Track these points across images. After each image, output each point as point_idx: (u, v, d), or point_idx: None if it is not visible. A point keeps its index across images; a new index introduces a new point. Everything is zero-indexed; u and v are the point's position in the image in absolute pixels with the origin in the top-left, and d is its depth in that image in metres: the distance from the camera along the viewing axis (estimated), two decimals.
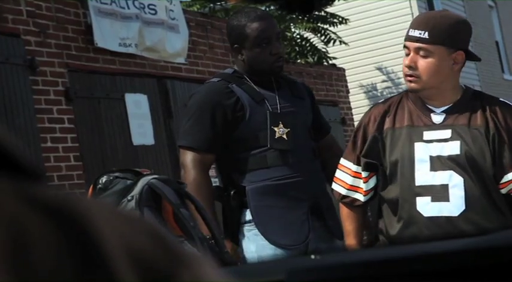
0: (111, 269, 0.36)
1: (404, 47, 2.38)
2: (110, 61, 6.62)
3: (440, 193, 2.34)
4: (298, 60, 10.89)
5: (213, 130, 2.64)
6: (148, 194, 2.20)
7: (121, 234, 0.38)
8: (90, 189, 2.18)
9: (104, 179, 2.20)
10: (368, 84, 13.37)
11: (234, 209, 2.65)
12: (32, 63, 5.86)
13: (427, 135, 2.41)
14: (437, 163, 2.38)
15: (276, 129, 2.67)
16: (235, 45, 2.76)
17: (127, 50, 6.70)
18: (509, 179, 2.37)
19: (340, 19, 11.39)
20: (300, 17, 11.29)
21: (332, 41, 11.44)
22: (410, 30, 2.36)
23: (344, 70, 10.86)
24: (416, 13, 13.40)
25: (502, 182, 2.37)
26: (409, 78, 2.37)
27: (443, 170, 2.37)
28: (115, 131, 6.51)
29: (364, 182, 2.49)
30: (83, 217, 0.37)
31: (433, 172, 2.37)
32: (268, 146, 2.64)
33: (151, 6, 7.03)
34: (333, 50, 11.74)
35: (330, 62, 11.32)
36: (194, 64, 7.66)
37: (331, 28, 11.47)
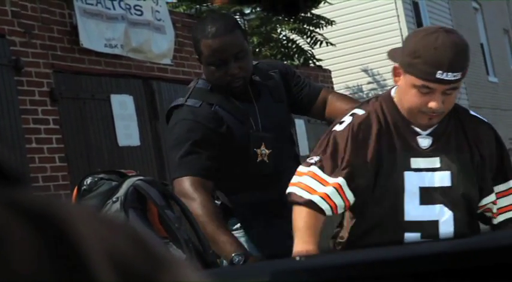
0: (91, 273, 0.36)
1: (425, 87, 2.10)
2: (96, 62, 6.60)
3: (430, 229, 2.18)
4: (284, 62, 10.89)
5: (209, 158, 2.47)
6: (134, 195, 2.19)
7: (102, 239, 0.38)
8: (75, 191, 2.17)
9: (88, 180, 2.19)
10: (354, 86, 13.41)
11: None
12: (17, 63, 5.83)
13: (415, 162, 2.20)
14: (428, 196, 2.20)
15: (258, 151, 2.54)
16: (197, 57, 2.59)
17: (113, 50, 6.68)
18: (488, 202, 2.25)
19: (326, 21, 11.42)
20: (286, 19, 11.30)
21: (319, 43, 11.46)
22: (439, 72, 2.05)
23: (330, 72, 10.88)
24: (402, 15, 13.46)
25: (480, 204, 2.25)
26: (432, 115, 2.15)
27: (434, 203, 2.20)
28: (100, 132, 6.49)
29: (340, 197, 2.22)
30: (64, 221, 0.37)
31: (423, 206, 2.20)
32: (249, 170, 2.52)
33: (137, 7, 7.01)
34: (319, 51, 11.77)
35: (317, 63, 11.34)
36: (180, 65, 7.66)
37: (318, 30, 11.49)
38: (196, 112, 2.51)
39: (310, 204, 2.18)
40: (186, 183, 2.46)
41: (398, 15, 13.57)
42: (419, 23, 14.43)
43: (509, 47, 19.20)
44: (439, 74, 2.06)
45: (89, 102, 6.46)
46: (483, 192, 2.24)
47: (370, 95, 13.24)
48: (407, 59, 2.11)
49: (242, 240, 2.59)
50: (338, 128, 2.25)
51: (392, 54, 2.24)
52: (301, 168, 2.26)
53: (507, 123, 16.95)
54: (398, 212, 2.19)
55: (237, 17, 10.67)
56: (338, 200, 2.18)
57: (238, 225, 2.60)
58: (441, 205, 2.20)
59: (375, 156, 2.19)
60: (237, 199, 2.57)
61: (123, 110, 6.77)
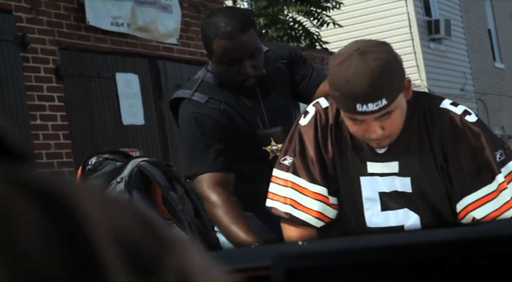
0: (97, 252, 0.36)
1: (354, 119, 1.92)
2: (102, 40, 6.58)
3: None
4: (291, 44, 10.86)
5: (223, 152, 2.40)
6: (138, 176, 2.20)
7: (108, 218, 0.38)
8: (80, 170, 2.18)
9: (93, 160, 2.20)
10: None
11: None
12: (23, 39, 5.82)
13: (372, 167, 2.03)
14: (389, 201, 2.04)
15: (268, 148, 2.47)
16: (206, 52, 2.49)
17: (119, 29, 6.67)
18: (464, 205, 2.02)
19: (334, 3, 11.36)
20: (293, 1, 11.25)
21: (326, 24, 11.41)
22: (359, 105, 1.85)
23: None
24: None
25: (458, 211, 2.03)
26: (378, 141, 1.96)
27: (397, 208, 2.04)
28: (105, 110, 6.50)
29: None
30: (70, 200, 0.37)
31: (385, 212, 2.05)
32: (267, 169, 2.33)
33: None
34: (325, 34, 11.72)
35: (323, 46, 11.30)
36: (186, 45, 7.64)
37: (325, 12, 11.44)
38: (205, 107, 2.44)
39: (299, 221, 2.07)
40: (203, 184, 2.38)
41: None
42: (427, 8, 14.35)
43: None
44: (359, 107, 1.85)
45: (94, 80, 6.46)
46: (455, 197, 2.03)
47: None
48: (330, 90, 1.94)
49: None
50: (302, 121, 2.10)
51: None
52: (278, 173, 2.11)
53: None
54: (359, 218, 2.07)
55: None
56: (331, 213, 2.08)
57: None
58: (405, 209, 2.04)
59: (331, 158, 2.06)
60: (245, 190, 2.49)
61: (128, 88, 6.77)
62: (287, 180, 2.07)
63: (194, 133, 2.42)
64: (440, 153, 2.01)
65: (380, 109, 1.86)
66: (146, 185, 2.29)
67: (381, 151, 2.02)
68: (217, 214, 2.29)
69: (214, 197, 2.32)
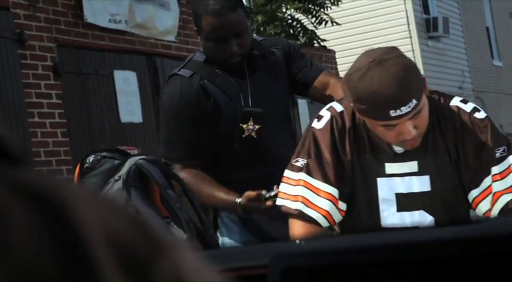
0: (91, 254, 0.36)
1: (388, 125, 1.97)
2: (99, 37, 6.58)
3: None
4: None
5: (194, 136, 2.50)
6: (136, 174, 2.19)
7: (101, 220, 0.38)
8: (77, 169, 2.18)
9: (91, 158, 2.20)
10: None
11: None
12: (20, 36, 5.82)
13: (390, 168, 2.09)
14: (405, 202, 2.09)
15: (244, 126, 2.52)
16: (195, 29, 2.59)
17: (117, 26, 6.66)
18: (472, 198, 2.09)
19: (332, 1, 11.36)
20: None
21: (324, 22, 11.40)
22: (392, 111, 1.91)
23: (334, 52, 10.85)
24: None
25: (470, 202, 2.10)
26: (411, 142, 2.02)
27: (413, 210, 2.10)
28: (103, 108, 6.49)
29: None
30: (64, 202, 0.37)
31: (400, 213, 2.10)
32: (234, 144, 2.51)
33: None
34: (323, 31, 11.71)
35: (321, 43, 11.30)
36: (184, 42, 7.63)
37: (323, 10, 11.43)
38: (184, 86, 2.53)
39: (304, 216, 2.10)
40: (176, 167, 2.49)
41: None
42: (425, 5, 14.36)
43: None
44: (392, 113, 1.92)
45: (92, 77, 6.46)
46: (465, 190, 2.10)
47: None
48: (356, 106, 1.99)
49: (233, 226, 2.58)
50: (317, 125, 2.14)
51: (344, 91, 2.08)
52: (290, 174, 2.14)
53: (510, 108, 16.93)
54: (374, 219, 2.11)
55: None
56: (337, 217, 2.11)
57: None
58: (421, 211, 2.09)
59: (350, 160, 2.09)
60: (226, 178, 2.54)
61: (126, 86, 6.77)
62: (299, 180, 2.11)
63: (167, 116, 2.55)
64: (454, 151, 2.07)
65: (412, 109, 1.93)
66: (144, 183, 2.28)
67: (399, 151, 2.08)
68: (195, 189, 2.38)
69: (184, 175, 2.44)
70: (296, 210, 2.09)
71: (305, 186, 2.10)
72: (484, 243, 0.85)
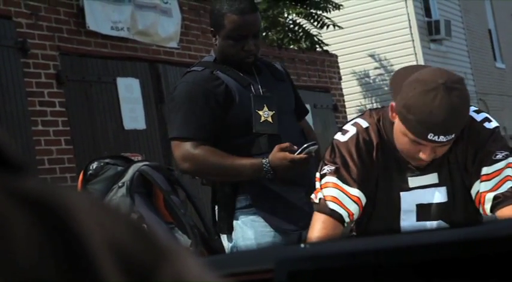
0: (92, 262, 0.35)
1: (416, 142, 2.06)
2: (102, 44, 6.59)
3: None
4: (291, 46, 10.87)
5: (207, 118, 2.57)
6: (139, 180, 2.20)
7: (103, 227, 0.38)
8: (81, 175, 2.18)
9: (94, 165, 2.20)
10: (360, 71, 13.37)
11: (227, 195, 2.62)
12: (23, 45, 5.83)
13: (413, 182, 2.19)
14: (425, 213, 2.19)
15: (260, 112, 2.61)
16: (212, 29, 2.71)
17: (119, 33, 6.67)
18: (475, 192, 2.16)
19: (334, 5, 11.36)
20: (293, 3, 11.25)
21: (326, 26, 11.41)
22: (431, 135, 2.00)
23: (337, 56, 10.85)
24: (410, 0, 13.39)
25: (474, 196, 2.16)
26: (422, 162, 2.13)
27: (431, 220, 2.19)
28: (106, 115, 6.50)
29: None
30: (65, 210, 0.37)
31: (420, 223, 2.19)
32: (254, 130, 2.58)
33: None
34: (325, 36, 11.72)
35: (324, 48, 11.30)
36: (186, 49, 7.64)
37: (325, 14, 11.44)
38: (197, 75, 2.63)
39: (336, 214, 2.15)
40: (184, 148, 2.55)
41: (406, 0, 13.49)
42: (427, 8, 14.35)
43: None
44: (431, 136, 2.00)
45: (95, 85, 6.46)
46: (472, 184, 2.17)
47: (376, 80, 13.20)
48: (401, 109, 2.05)
49: (250, 219, 2.59)
50: (341, 138, 2.21)
51: (392, 85, 2.18)
52: (317, 183, 2.22)
53: None
54: (394, 226, 2.19)
55: None
56: (356, 217, 2.19)
57: (248, 203, 2.60)
58: (438, 221, 2.18)
59: (375, 173, 2.17)
60: None
61: (129, 93, 6.77)
62: (328, 182, 2.18)
63: (179, 100, 2.62)
64: (463, 160, 2.15)
65: (447, 142, 2.02)
66: (148, 189, 2.29)
67: (421, 166, 2.16)
68: (213, 162, 2.46)
69: (199, 152, 2.51)
70: (331, 209, 2.15)
71: (335, 188, 2.16)
72: (494, 244, 0.84)
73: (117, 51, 6.73)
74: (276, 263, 0.94)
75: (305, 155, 2.42)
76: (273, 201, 2.60)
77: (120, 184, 2.22)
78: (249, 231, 2.58)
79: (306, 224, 2.46)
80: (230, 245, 2.58)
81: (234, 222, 2.60)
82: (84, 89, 6.35)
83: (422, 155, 2.06)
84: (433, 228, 2.00)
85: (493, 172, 2.11)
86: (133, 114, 6.74)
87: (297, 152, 2.42)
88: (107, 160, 2.28)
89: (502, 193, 2.09)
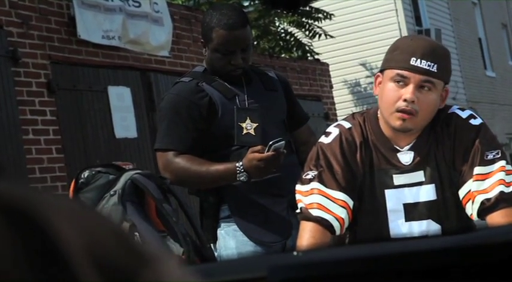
0: (70, 269, 0.35)
1: (399, 76, 2.08)
2: (93, 53, 6.58)
3: None
4: (282, 55, 10.88)
5: (189, 131, 2.59)
6: (131, 188, 2.20)
7: (82, 233, 0.37)
8: (72, 184, 2.17)
9: (86, 173, 2.19)
10: (351, 80, 13.40)
11: (211, 205, 2.63)
12: (14, 54, 5.81)
13: (398, 179, 2.16)
14: (413, 212, 2.16)
15: (243, 125, 2.62)
16: (202, 40, 2.72)
17: (110, 42, 6.67)
18: (461, 198, 2.13)
19: (325, 14, 11.40)
20: (285, 12, 11.28)
21: (318, 35, 11.44)
22: (413, 59, 2.05)
23: (328, 65, 10.87)
24: (400, 9, 13.46)
25: (462, 197, 2.13)
26: (404, 114, 2.08)
27: (420, 219, 2.16)
28: (97, 124, 6.48)
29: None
30: (42, 215, 0.36)
31: (409, 223, 2.16)
32: (235, 142, 2.59)
33: None
34: (317, 44, 11.75)
35: (315, 57, 11.33)
36: (178, 57, 7.64)
37: (316, 23, 11.47)
38: (182, 87, 2.65)
39: (322, 221, 2.12)
40: (166, 158, 2.58)
41: (396, 9, 13.55)
42: (417, 17, 14.42)
43: (507, 41, 19.20)
44: (413, 61, 2.06)
45: (86, 93, 6.45)
46: (458, 189, 2.15)
47: (368, 89, 13.23)
48: (386, 57, 2.15)
49: (232, 229, 2.59)
50: (325, 140, 2.21)
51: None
52: (301, 187, 2.18)
53: (504, 118, 16.97)
54: (382, 230, 2.16)
55: None
56: (347, 222, 2.15)
57: (228, 213, 2.61)
58: (428, 220, 2.16)
59: (359, 172, 2.16)
60: None
61: (121, 101, 6.76)
62: (312, 189, 2.15)
63: (164, 112, 2.65)
64: (451, 158, 2.15)
65: (428, 72, 2.06)
66: (140, 198, 2.28)
67: (406, 163, 2.16)
68: (191, 170, 2.49)
69: (179, 160, 2.55)
70: (316, 216, 2.12)
71: (319, 194, 2.14)
72: (488, 251, 0.84)
73: (108, 60, 6.72)
74: (268, 271, 0.94)
75: (272, 153, 2.42)
76: (252, 212, 2.60)
77: (112, 192, 2.21)
78: (230, 240, 2.59)
79: (289, 234, 2.48)
80: (216, 254, 2.59)
81: (218, 231, 2.61)
82: (75, 97, 6.33)
83: (405, 96, 2.07)
84: (427, 235, 1.99)
85: (486, 173, 2.11)
86: (124, 122, 6.73)
87: (266, 151, 2.43)
88: (99, 168, 2.27)
89: (492, 197, 2.08)
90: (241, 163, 2.46)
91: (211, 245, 2.59)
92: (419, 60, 2.06)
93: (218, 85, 2.65)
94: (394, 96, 2.09)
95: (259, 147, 2.45)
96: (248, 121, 2.62)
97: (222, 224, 2.61)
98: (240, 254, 2.54)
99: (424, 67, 2.06)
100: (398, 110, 2.08)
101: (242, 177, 2.47)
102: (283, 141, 2.46)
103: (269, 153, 2.42)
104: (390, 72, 2.11)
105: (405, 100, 2.07)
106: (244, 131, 2.61)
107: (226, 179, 2.52)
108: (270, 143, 2.43)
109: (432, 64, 2.06)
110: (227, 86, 2.66)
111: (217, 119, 2.61)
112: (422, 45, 2.08)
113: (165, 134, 2.62)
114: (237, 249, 2.57)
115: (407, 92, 2.07)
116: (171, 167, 2.56)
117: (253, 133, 2.61)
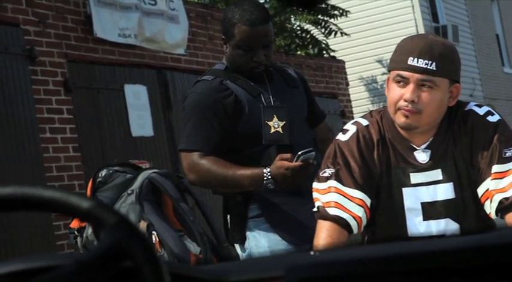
0: None
1: (399, 76, 2.09)
2: (109, 52, 6.60)
3: None
4: (298, 52, 10.87)
5: (215, 130, 2.55)
6: (149, 188, 2.20)
7: None
8: (90, 183, 2.18)
9: (103, 172, 2.20)
10: (368, 77, 13.36)
11: (239, 204, 2.59)
12: (31, 53, 5.84)
13: (415, 178, 2.15)
14: (431, 211, 2.14)
15: (270, 123, 2.59)
16: (223, 37, 2.69)
17: (126, 40, 6.69)
18: (485, 189, 2.10)
19: (341, 11, 11.37)
20: (301, 9, 11.26)
21: (333, 33, 11.41)
22: (411, 58, 2.06)
23: (344, 62, 10.85)
24: (417, 6, 13.40)
25: (480, 195, 2.11)
26: (407, 113, 2.09)
27: (438, 218, 2.15)
28: (114, 122, 6.51)
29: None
30: None
31: (426, 221, 2.15)
32: (264, 141, 2.56)
33: None
34: (332, 42, 11.72)
35: (331, 54, 11.30)
36: (194, 55, 7.65)
37: (332, 20, 11.45)
38: (206, 85, 2.61)
39: (340, 220, 2.11)
40: (193, 159, 2.53)
41: (413, 6, 13.49)
42: (434, 14, 14.34)
43: None
44: (410, 60, 2.06)
45: (103, 92, 6.48)
46: (476, 187, 2.13)
47: (384, 86, 13.18)
48: (390, 58, 2.16)
49: (263, 228, 2.57)
50: (342, 137, 2.21)
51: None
52: (318, 185, 2.18)
53: None
54: (400, 229, 2.15)
55: None
56: (365, 220, 2.13)
57: (258, 212, 2.58)
58: (447, 219, 2.14)
59: (377, 170, 2.16)
60: None
61: (137, 100, 6.78)
62: (329, 187, 2.15)
63: (189, 111, 2.60)
64: (469, 155, 2.12)
65: (426, 70, 2.05)
66: (157, 197, 2.29)
67: (423, 162, 2.15)
68: (217, 173, 2.45)
69: (204, 162, 2.50)
70: (333, 215, 2.11)
71: (336, 192, 2.13)
72: (507, 251, 0.84)
73: (124, 58, 6.75)
74: (286, 270, 0.93)
75: (300, 163, 2.38)
76: (283, 211, 2.58)
77: (129, 191, 2.21)
78: (262, 239, 2.56)
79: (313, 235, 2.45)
80: (244, 254, 2.56)
81: (247, 231, 2.58)
82: (91, 96, 6.36)
83: (405, 96, 2.07)
84: (444, 235, 1.98)
85: (504, 171, 2.08)
86: (140, 121, 6.75)
87: (294, 160, 2.39)
88: (116, 168, 2.28)
89: (510, 196, 2.06)
90: (268, 170, 2.42)
91: (238, 244, 2.56)
92: (416, 59, 2.06)
93: (242, 82, 2.62)
94: (396, 96, 2.11)
95: (288, 155, 2.40)
96: (275, 119, 2.59)
97: (252, 223, 2.59)
98: (272, 252, 2.52)
99: (422, 66, 2.05)
100: (403, 109, 2.09)
101: (269, 184, 2.42)
102: (313, 152, 2.41)
103: (297, 163, 2.38)
104: (392, 73, 2.13)
105: (406, 100, 2.08)
106: (272, 130, 2.58)
107: (253, 184, 2.48)
108: (299, 153, 2.38)
109: (430, 62, 2.05)
110: (251, 83, 2.64)
111: (244, 117, 2.57)
112: (420, 44, 2.07)
113: (189, 134, 2.58)
114: (270, 248, 2.55)
115: (407, 91, 2.08)
116: (196, 168, 2.52)
117: (281, 131, 2.59)
